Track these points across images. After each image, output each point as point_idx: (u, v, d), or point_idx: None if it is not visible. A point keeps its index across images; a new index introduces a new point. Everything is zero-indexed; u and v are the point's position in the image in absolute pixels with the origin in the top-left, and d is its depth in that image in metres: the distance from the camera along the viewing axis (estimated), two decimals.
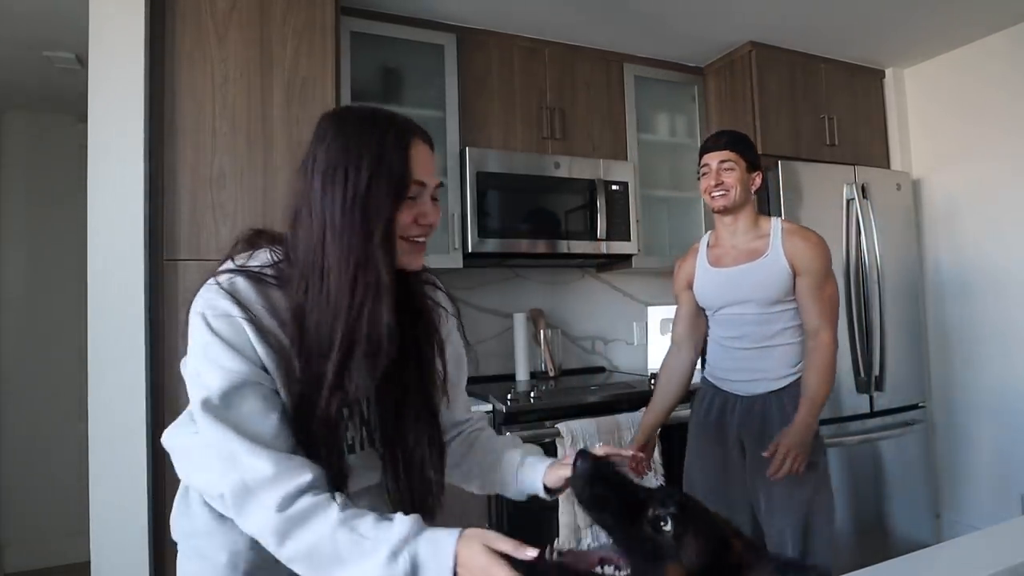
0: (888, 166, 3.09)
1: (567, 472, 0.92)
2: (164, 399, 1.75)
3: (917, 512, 2.77)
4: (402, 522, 0.73)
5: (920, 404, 2.84)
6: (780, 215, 2.58)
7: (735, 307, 1.71)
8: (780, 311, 1.68)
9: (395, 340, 0.82)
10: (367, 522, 0.74)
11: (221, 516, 0.91)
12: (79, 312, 1.79)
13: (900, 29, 2.71)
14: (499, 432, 2.07)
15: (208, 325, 0.78)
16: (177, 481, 1.05)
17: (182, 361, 0.88)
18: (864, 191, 2.74)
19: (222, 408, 0.76)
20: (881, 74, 3.13)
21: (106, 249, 1.71)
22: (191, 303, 0.81)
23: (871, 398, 2.69)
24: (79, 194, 1.83)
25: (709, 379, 1.83)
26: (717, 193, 1.69)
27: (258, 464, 0.75)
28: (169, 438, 1.01)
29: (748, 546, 0.65)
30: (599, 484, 0.72)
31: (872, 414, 2.69)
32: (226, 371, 0.77)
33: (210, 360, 0.78)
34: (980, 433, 2.83)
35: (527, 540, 0.70)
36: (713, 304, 1.77)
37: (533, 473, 1.00)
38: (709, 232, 1.86)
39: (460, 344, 1.05)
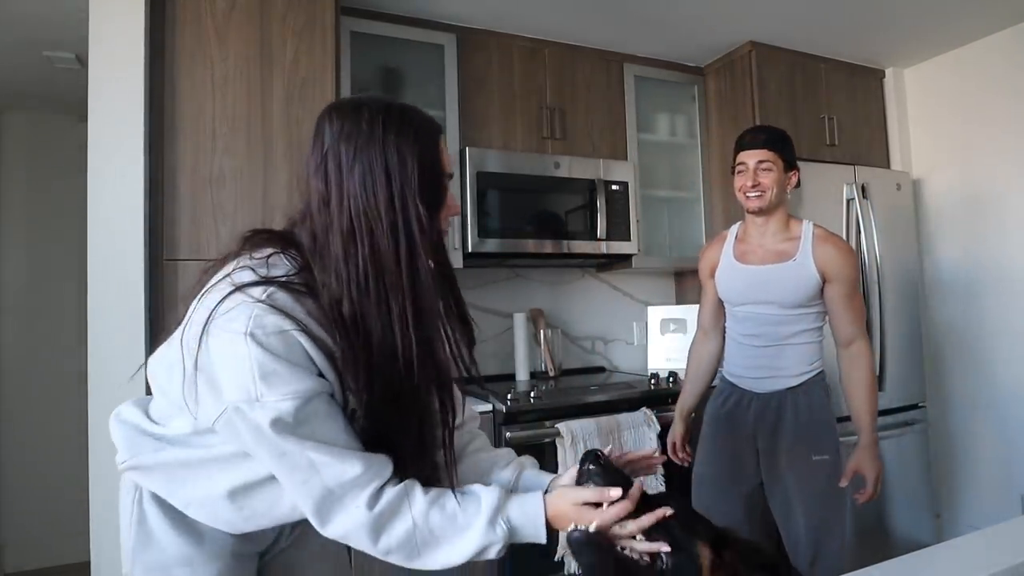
0: (888, 166, 3.09)
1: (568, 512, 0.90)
2: None
3: (917, 512, 2.77)
4: (488, 492, 0.80)
5: (920, 404, 2.84)
6: None
7: (756, 306, 1.70)
8: (801, 314, 1.67)
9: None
10: (452, 501, 0.79)
11: (198, 537, 0.87)
12: (79, 312, 1.79)
13: (900, 29, 2.71)
14: (500, 431, 2.08)
15: (261, 345, 0.73)
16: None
17: (161, 359, 0.86)
18: (864, 191, 2.74)
19: (296, 425, 0.75)
20: (881, 74, 3.13)
21: (106, 249, 1.71)
22: (214, 318, 0.76)
23: None
24: (79, 194, 1.83)
25: (727, 376, 1.84)
26: (753, 194, 1.68)
27: (341, 468, 0.75)
28: (146, 454, 0.88)
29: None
30: (591, 553, 0.77)
31: None
32: (292, 391, 0.74)
33: (270, 383, 0.74)
34: (980, 433, 2.83)
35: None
36: (734, 299, 1.76)
37: (536, 479, 0.98)
38: (739, 224, 1.84)
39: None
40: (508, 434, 2.08)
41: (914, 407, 2.82)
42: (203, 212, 1.82)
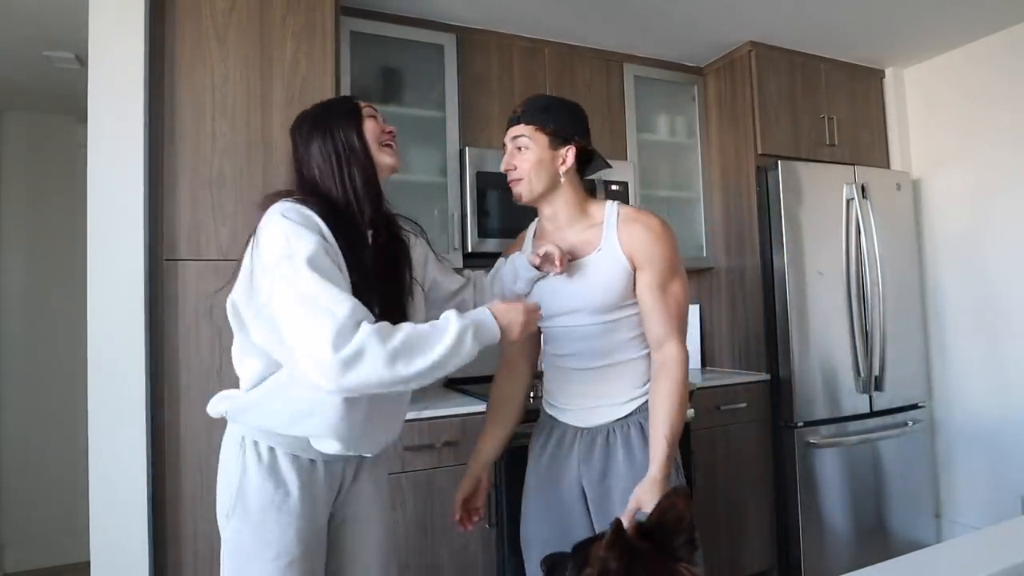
0: (888, 166, 3.09)
1: (540, 249, 1.33)
2: (164, 399, 1.75)
3: (917, 512, 2.78)
4: (451, 311, 1.06)
5: (920, 404, 2.84)
6: (780, 215, 2.59)
7: (565, 317, 1.36)
8: (620, 318, 1.33)
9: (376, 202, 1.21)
10: (429, 323, 1.05)
11: (285, 488, 1.15)
12: (79, 312, 1.79)
13: (900, 29, 2.71)
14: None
15: (286, 217, 1.05)
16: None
17: (240, 289, 1.12)
18: (864, 191, 2.74)
19: (316, 263, 1.00)
20: (881, 74, 3.13)
21: (106, 249, 1.71)
22: (262, 228, 1.08)
23: (871, 398, 2.69)
24: (79, 194, 1.83)
25: (545, 408, 1.48)
26: (511, 180, 1.37)
27: (349, 305, 0.99)
28: (237, 397, 1.19)
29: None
30: None
31: (872, 414, 2.70)
32: (313, 240, 1.02)
33: (298, 236, 1.03)
34: (980, 433, 2.83)
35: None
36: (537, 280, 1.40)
37: (517, 261, 1.37)
38: (538, 218, 1.49)
39: (432, 255, 1.42)
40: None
41: (914, 407, 2.82)
42: (203, 212, 1.82)
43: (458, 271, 1.47)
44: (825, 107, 2.92)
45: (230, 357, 1.83)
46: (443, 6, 2.37)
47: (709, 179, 2.98)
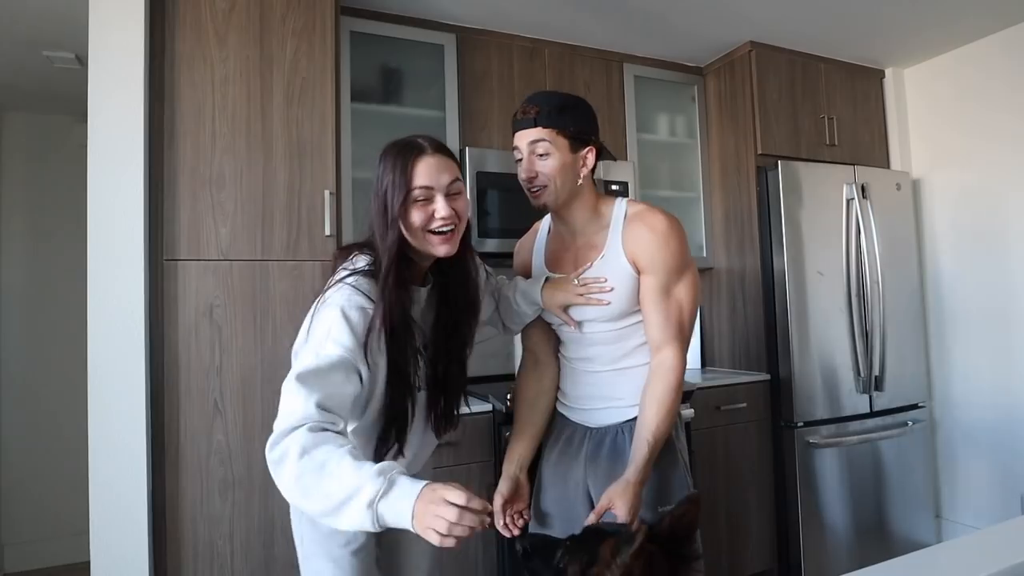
0: (888, 166, 3.09)
1: (563, 298, 1.28)
2: (164, 399, 1.75)
3: (917, 512, 2.78)
4: (391, 462, 0.91)
5: (920, 404, 2.84)
6: (780, 215, 2.59)
7: (580, 324, 1.33)
8: (633, 324, 1.30)
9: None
10: (367, 462, 0.88)
11: None
12: (79, 312, 1.79)
13: (900, 29, 2.71)
14: (499, 431, 2.08)
15: (344, 316, 1.01)
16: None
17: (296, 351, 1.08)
18: (864, 191, 2.74)
19: (313, 380, 0.96)
20: (881, 74, 3.13)
21: (106, 249, 1.71)
22: (324, 304, 1.04)
23: (871, 398, 2.69)
24: (79, 194, 1.83)
25: (558, 407, 1.45)
26: (534, 189, 1.29)
27: (313, 412, 0.93)
28: None
29: (616, 543, 0.76)
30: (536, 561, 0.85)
31: (872, 414, 2.70)
32: (339, 348, 0.98)
33: (332, 338, 0.99)
34: (980, 433, 2.83)
35: None
36: (552, 317, 1.37)
37: (534, 286, 1.32)
38: (548, 219, 1.44)
39: (485, 283, 1.36)
40: (508, 434, 2.07)
41: (914, 407, 2.82)
42: (203, 212, 1.82)
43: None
44: (825, 107, 2.92)
45: (230, 357, 1.84)
46: (443, 6, 2.37)
47: (709, 179, 2.98)
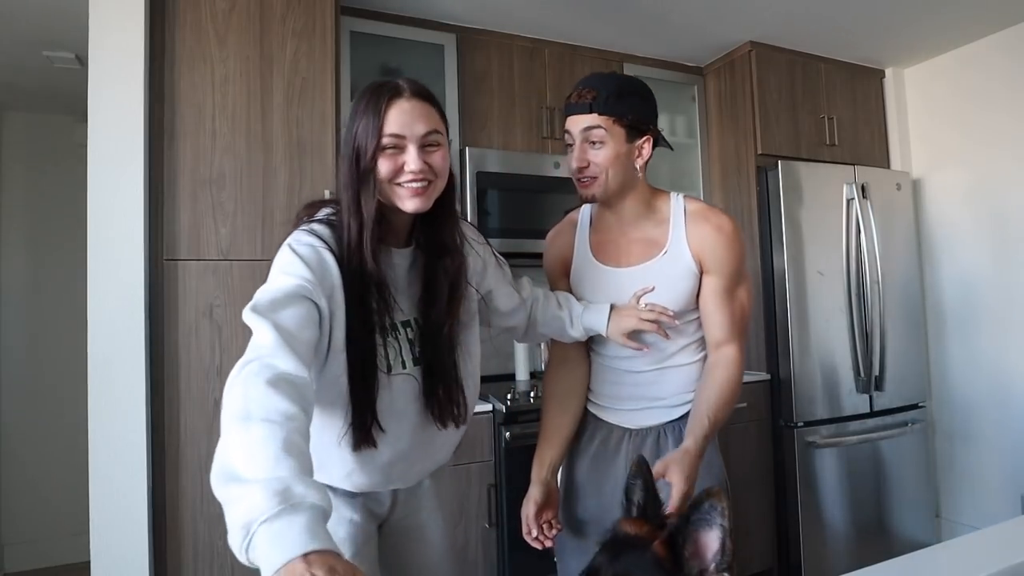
0: (888, 166, 3.09)
1: (631, 324, 1.18)
2: (164, 399, 1.76)
3: (917, 512, 2.78)
4: (288, 472, 0.67)
5: (920, 404, 2.84)
6: (780, 215, 2.59)
7: None
8: (684, 323, 1.24)
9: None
10: (283, 454, 0.69)
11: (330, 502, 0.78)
12: (79, 312, 1.79)
13: (900, 29, 2.71)
14: (499, 431, 2.08)
15: (292, 249, 0.93)
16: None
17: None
18: (864, 191, 2.74)
19: (269, 311, 0.84)
20: (881, 74, 3.13)
21: (106, 249, 1.71)
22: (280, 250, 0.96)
23: (871, 398, 2.69)
24: (79, 194, 1.83)
25: (588, 407, 1.36)
26: (584, 178, 1.21)
27: (274, 343, 0.80)
28: None
29: (665, 542, 0.64)
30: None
31: (872, 414, 2.70)
32: (293, 277, 0.89)
33: (283, 270, 0.91)
34: (980, 433, 2.83)
35: None
36: (614, 347, 1.28)
37: (598, 315, 1.21)
38: (591, 205, 1.34)
39: (496, 267, 1.28)
40: (508, 434, 2.08)
41: (914, 407, 2.82)
42: (203, 212, 1.82)
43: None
44: (825, 107, 2.92)
45: (230, 356, 1.83)
46: (443, 6, 2.37)
47: (709, 179, 2.98)
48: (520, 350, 2.70)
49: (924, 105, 3.07)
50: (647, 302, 1.19)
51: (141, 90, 1.76)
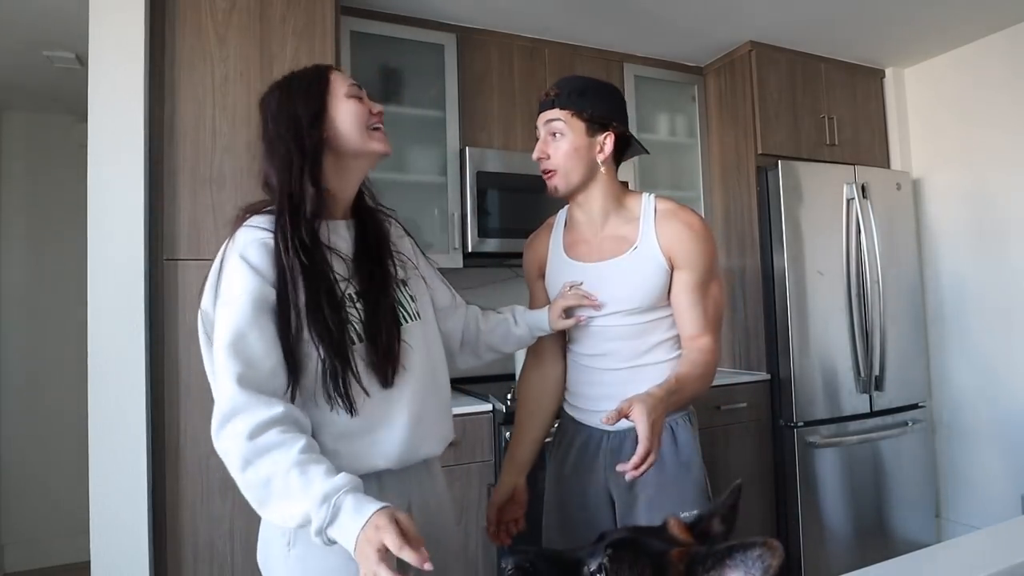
0: (888, 166, 3.09)
1: (562, 303, 1.26)
2: (164, 399, 1.75)
3: (917, 512, 2.78)
4: (344, 478, 0.83)
5: (920, 404, 2.84)
6: (780, 215, 2.59)
7: (599, 318, 1.28)
8: (656, 319, 1.26)
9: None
10: (317, 470, 0.84)
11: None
12: (79, 312, 1.79)
13: (900, 29, 2.71)
14: (499, 431, 2.08)
15: (244, 260, 0.94)
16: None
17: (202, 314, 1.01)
18: (864, 191, 2.74)
19: (233, 349, 0.90)
20: (881, 74, 3.13)
21: (106, 249, 1.71)
22: (226, 257, 0.97)
23: (871, 398, 2.69)
24: (79, 194, 1.83)
25: (567, 410, 1.38)
26: (545, 171, 1.27)
27: (238, 396, 0.87)
28: None
29: (686, 554, 0.60)
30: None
31: (872, 414, 2.70)
32: (247, 293, 0.92)
33: (232, 289, 0.94)
34: (980, 433, 2.83)
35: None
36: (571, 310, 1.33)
37: (538, 314, 1.28)
38: (567, 206, 1.38)
39: (426, 261, 1.24)
40: (507, 434, 2.08)
41: (914, 407, 2.82)
42: (203, 212, 1.82)
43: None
44: (825, 107, 2.92)
45: None
46: (443, 6, 2.37)
47: (709, 179, 2.98)
48: (520, 350, 2.69)
49: (924, 105, 3.07)
50: (571, 285, 1.28)
51: (141, 90, 1.76)
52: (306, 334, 0.95)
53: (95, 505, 1.66)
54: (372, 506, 0.80)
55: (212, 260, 1.01)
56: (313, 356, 0.96)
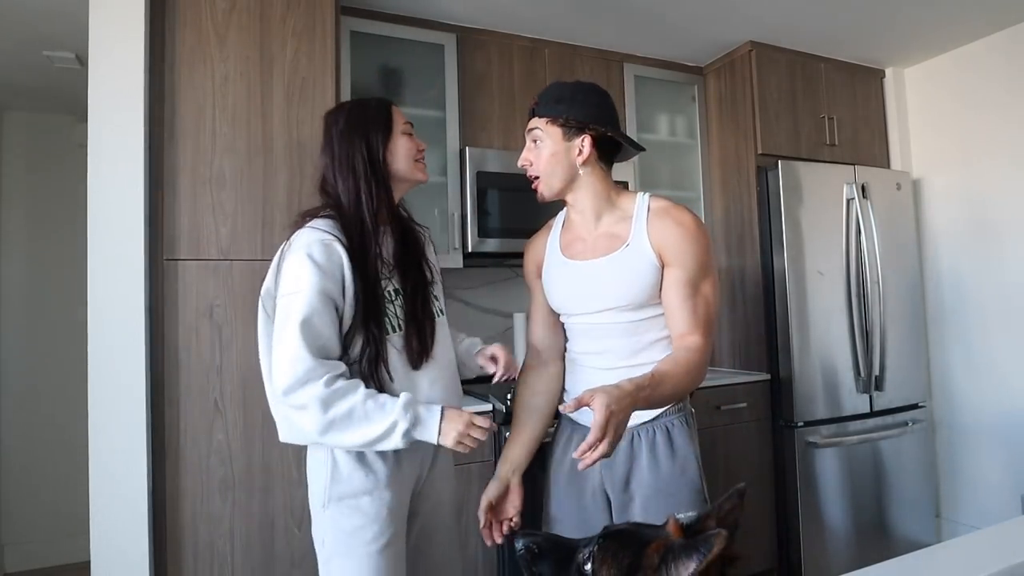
0: (888, 166, 3.09)
1: (493, 351, 1.46)
2: (164, 399, 1.75)
3: (917, 512, 2.78)
4: (407, 395, 1.15)
5: (920, 404, 2.84)
6: (780, 215, 2.59)
7: (594, 314, 1.30)
8: (651, 317, 1.27)
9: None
10: (384, 397, 1.15)
11: (375, 474, 1.21)
12: (79, 312, 1.79)
13: (900, 29, 2.71)
14: (499, 431, 2.08)
15: (310, 257, 1.15)
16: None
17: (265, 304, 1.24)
18: (864, 191, 2.74)
19: (306, 320, 1.13)
20: (881, 74, 3.13)
21: (106, 249, 1.71)
22: (288, 254, 1.20)
23: (871, 398, 2.69)
24: (79, 194, 1.83)
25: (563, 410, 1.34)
26: (530, 179, 1.33)
27: (311, 361, 1.13)
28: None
29: (667, 546, 0.64)
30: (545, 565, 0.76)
31: (872, 414, 2.70)
32: (309, 288, 1.14)
33: (298, 281, 1.15)
34: (980, 433, 2.83)
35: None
36: (566, 308, 1.36)
37: (469, 344, 1.51)
38: (566, 209, 1.41)
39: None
40: (508, 433, 2.07)
41: (914, 407, 2.82)
42: (203, 212, 1.82)
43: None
44: (825, 107, 2.92)
45: (230, 356, 1.83)
46: (443, 6, 2.37)
47: (709, 179, 2.98)
48: (521, 349, 2.69)
49: (924, 105, 3.07)
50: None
51: (141, 90, 1.76)
52: (356, 321, 1.18)
53: (95, 505, 1.66)
54: (436, 405, 1.17)
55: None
56: (358, 340, 1.19)
